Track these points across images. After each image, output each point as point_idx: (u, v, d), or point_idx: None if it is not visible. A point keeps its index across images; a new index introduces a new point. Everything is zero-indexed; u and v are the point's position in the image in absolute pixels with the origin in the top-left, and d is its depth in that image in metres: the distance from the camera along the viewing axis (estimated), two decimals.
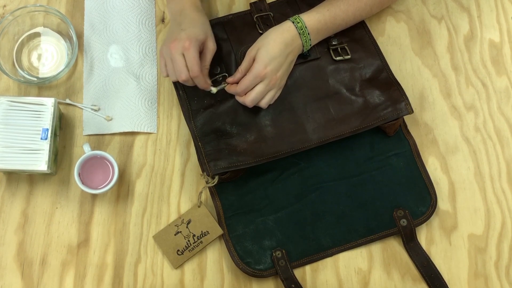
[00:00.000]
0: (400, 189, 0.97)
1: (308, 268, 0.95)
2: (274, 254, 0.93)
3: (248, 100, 0.91)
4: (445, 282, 0.94)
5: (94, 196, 0.96)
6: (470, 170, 1.00)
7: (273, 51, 0.89)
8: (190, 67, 0.88)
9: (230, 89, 0.93)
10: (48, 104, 0.92)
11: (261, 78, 0.89)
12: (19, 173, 0.96)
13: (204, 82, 0.91)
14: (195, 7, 0.94)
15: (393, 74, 1.00)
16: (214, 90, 0.93)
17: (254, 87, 0.91)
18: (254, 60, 0.91)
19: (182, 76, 0.89)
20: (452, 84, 1.04)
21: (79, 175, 0.92)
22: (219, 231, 0.94)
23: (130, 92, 1.00)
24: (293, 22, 0.93)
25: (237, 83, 0.93)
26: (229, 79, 0.93)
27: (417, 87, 1.03)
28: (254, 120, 0.96)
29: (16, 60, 1.01)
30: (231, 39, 1.00)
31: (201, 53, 0.91)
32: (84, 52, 1.02)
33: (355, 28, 1.01)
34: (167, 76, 0.92)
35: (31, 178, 0.96)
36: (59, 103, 0.98)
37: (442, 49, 1.06)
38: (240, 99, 0.92)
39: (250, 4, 1.03)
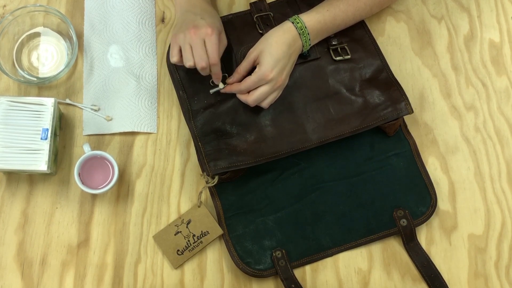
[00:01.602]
0: (400, 189, 0.97)
1: (308, 268, 0.95)
2: (274, 254, 0.93)
3: (251, 99, 0.91)
4: (445, 282, 0.94)
5: (94, 196, 0.96)
6: (470, 170, 1.00)
7: (277, 53, 0.89)
8: (211, 54, 0.88)
9: (232, 88, 0.93)
10: (48, 104, 0.92)
11: (267, 81, 0.89)
12: (19, 173, 0.96)
13: (219, 71, 0.91)
14: (207, 1, 0.95)
15: (393, 74, 1.00)
16: (221, 85, 0.93)
17: (257, 87, 0.91)
18: (255, 62, 0.91)
19: (202, 63, 0.88)
20: (452, 84, 1.04)
21: (79, 175, 0.92)
22: (219, 231, 0.94)
23: (130, 92, 1.00)
24: (292, 23, 0.92)
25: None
26: (228, 80, 0.93)
27: (417, 87, 1.03)
28: (254, 120, 0.96)
29: (16, 60, 1.01)
30: (231, 39, 1.00)
31: None
32: (84, 52, 1.02)
33: (355, 28, 1.01)
34: (176, 61, 0.91)
35: (31, 178, 0.96)
36: (59, 103, 0.98)
37: (442, 49, 1.06)
38: (242, 97, 0.92)
39: (250, 4, 1.03)
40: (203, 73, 0.91)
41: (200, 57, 0.88)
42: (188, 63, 0.89)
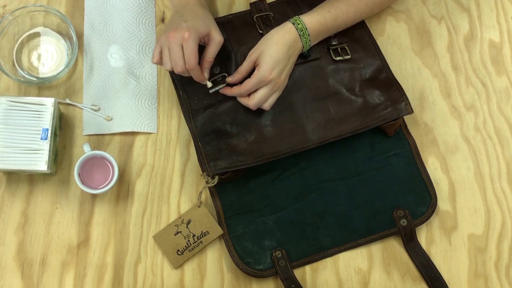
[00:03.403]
0: (400, 189, 0.97)
1: (308, 268, 0.95)
2: (274, 254, 0.93)
3: (253, 103, 0.91)
4: (445, 282, 0.94)
5: (94, 196, 0.96)
6: (470, 170, 1.00)
7: (277, 54, 0.89)
8: (187, 59, 0.87)
9: (233, 91, 0.92)
10: (48, 104, 0.92)
11: (266, 83, 0.89)
12: (19, 173, 0.96)
13: (199, 75, 0.90)
14: (199, 2, 0.94)
15: (393, 74, 1.00)
16: (209, 84, 0.93)
17: (257, 90, 0.91)
18: (255, 63, 0.91)
19: (178, 68, 0.88)
20: (452, 84, 1.04)
21: (79, 175, 0.92)
22: (219, 231, 0.94)
23: (130, 92, 1.00)
24: (293, 24, 0.92)
25: (236, 84, 0.93)
26: (229, 79, 0.93)
27: (417, 87, 1.03)
28: (254, 120, 0.96)
29: (16, 60, 1.01)
30: (231, 39, 1.00)
31: (207, 45, 0.91)
32: (84, 52, 1.02)
33: (355, 28, 1.01)
34: (157, 63, 0.91)
35: (31, 178, 0.96)
36: (59, 103, 0.98)
37: (442, 49, 1.06)
38: (243, 101, 0.92)
39: (250, 4, 1.03)
40: (184, 75, 0.91)
41: (175, 63, 0.88)
42: (166, 67, 0.89)
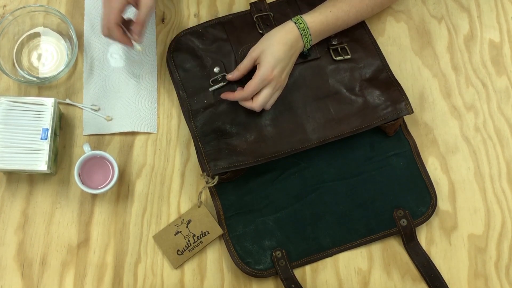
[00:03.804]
0: (400, 189, 0.97)
1: (308, 268, 0.95)
2: (274, 254, 0.93)
3: (257, 105, 0.91)
4: (445, 282, 0.94)
5: (94, 196, 0.96)
6: (470, 170, 1.00)
7: (278, 53, 0.89)
8: (106, 16, 0.88)
9: (235, 96, 0.92)
10: (48, 104, 0.92)
11: (268, 82, 0.89)
12: (19, 173, 0.96)
13: (119, 36, 0.90)
14: None
15: (393, 74, 1.00)
16: (137, 47, 0.92)
17: (260, 91, 0.90)
18: (256, 61, 0.91)
19: (103, 30, 0.89)
20: (452, 84, 1.04)
21: (79, 175, 0.92)
22: (219, 231, 0.94)
23: (130, 92, 1.00)
24: (295, 23, 0.92)
25: (235, 82, 0.93)
26: (228, 76, 0.93)
27: (417, 87, 1.03)
28: (254, 120, 0.96)
29: (16, 60, 1.01)
30: (231, 39, 1.00)
31: (137, 8, 0.90)
32: (84, 52, 1.02)
33: (355, 28, 1.01)
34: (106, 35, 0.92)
35: (31, 178, 0.96)
36: (59, 103, 0.98)
37: (442, 49, 1.06)
38: (246, 104, 0.92)
39: (250, 4, 1.03)
40: (112, 39, 0.91)
41: (101, 24, 0.89)
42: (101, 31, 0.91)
